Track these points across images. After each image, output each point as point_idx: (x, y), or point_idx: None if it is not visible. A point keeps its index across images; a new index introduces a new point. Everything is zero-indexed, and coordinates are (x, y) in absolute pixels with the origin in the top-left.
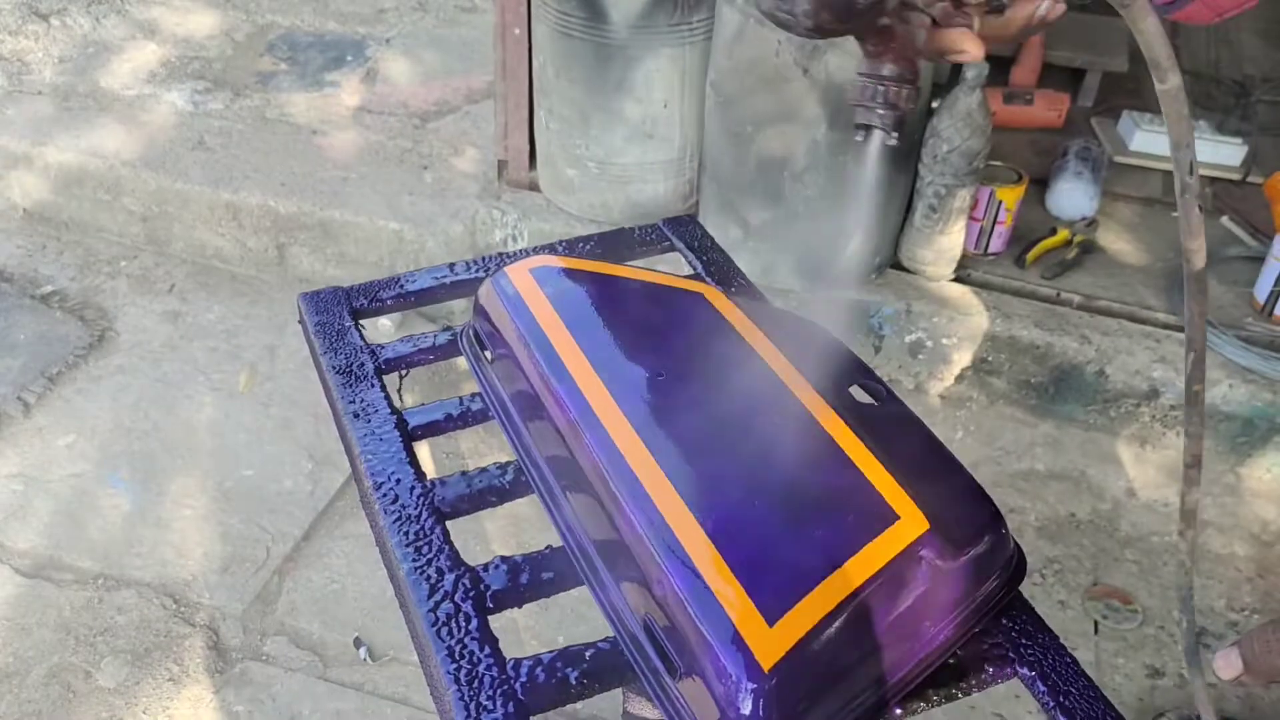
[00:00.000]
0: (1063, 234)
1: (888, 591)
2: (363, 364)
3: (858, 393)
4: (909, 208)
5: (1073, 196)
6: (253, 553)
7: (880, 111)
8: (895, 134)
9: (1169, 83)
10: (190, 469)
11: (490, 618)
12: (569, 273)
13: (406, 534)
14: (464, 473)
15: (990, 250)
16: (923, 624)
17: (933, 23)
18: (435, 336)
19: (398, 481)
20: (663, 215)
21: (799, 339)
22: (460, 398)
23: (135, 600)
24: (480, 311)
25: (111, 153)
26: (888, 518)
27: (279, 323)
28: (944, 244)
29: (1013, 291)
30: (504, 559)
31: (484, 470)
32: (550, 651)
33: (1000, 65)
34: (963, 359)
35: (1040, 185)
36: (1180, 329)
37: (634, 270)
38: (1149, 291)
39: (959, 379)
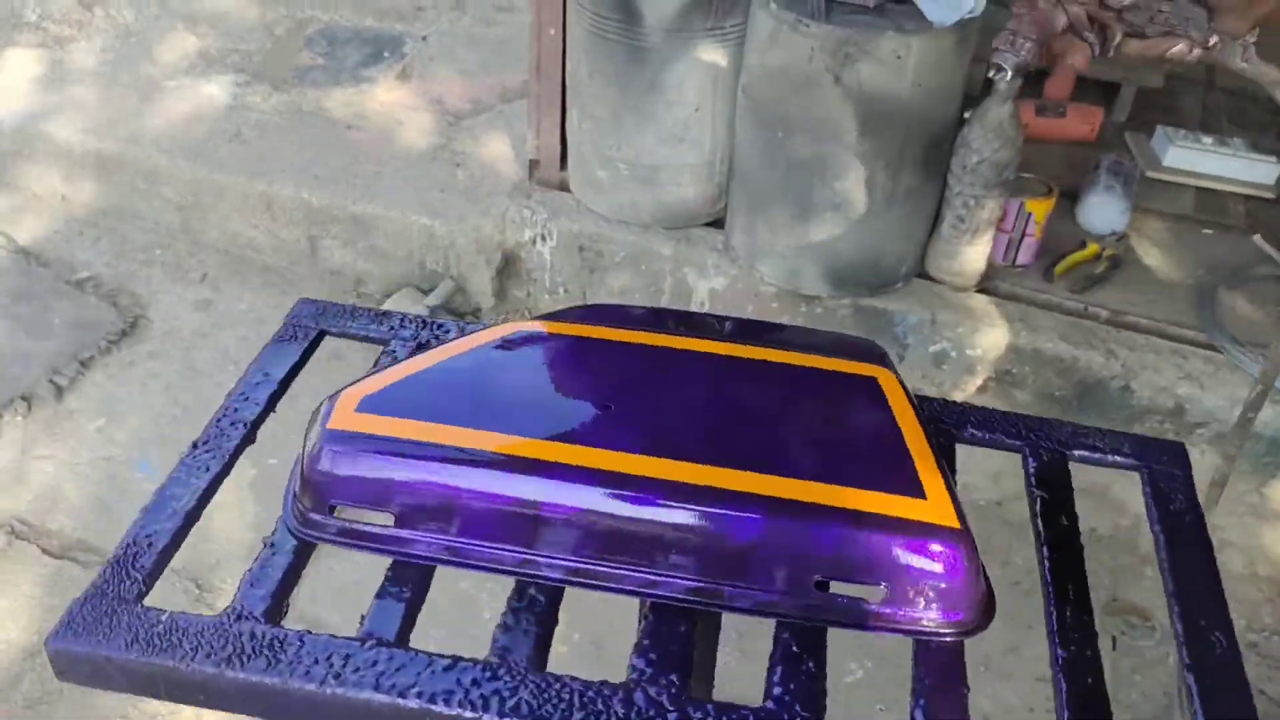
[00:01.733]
0: (1092, 248)
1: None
2: None
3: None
4: (937, 218)
5: (1103, 211)
6: None
7: (1010, 56)
8: (1011, 76)
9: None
10: None
11: None
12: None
13: None
14: None
15: (1018, 262)
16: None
17: (1068, 24)
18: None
19: None
20: (691, 218)
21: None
22: None
23: (160, 584)
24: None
25: (150, 142)
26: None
27: None
28: (971, 255)
29: (1039, 304)
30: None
31: None
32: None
33: (1034, 78)
34: (986, 370)
35: (1071, 199)
36: (1209, 346)
37: (444, 350)
38: (1177, 308)
39: (982, 390)
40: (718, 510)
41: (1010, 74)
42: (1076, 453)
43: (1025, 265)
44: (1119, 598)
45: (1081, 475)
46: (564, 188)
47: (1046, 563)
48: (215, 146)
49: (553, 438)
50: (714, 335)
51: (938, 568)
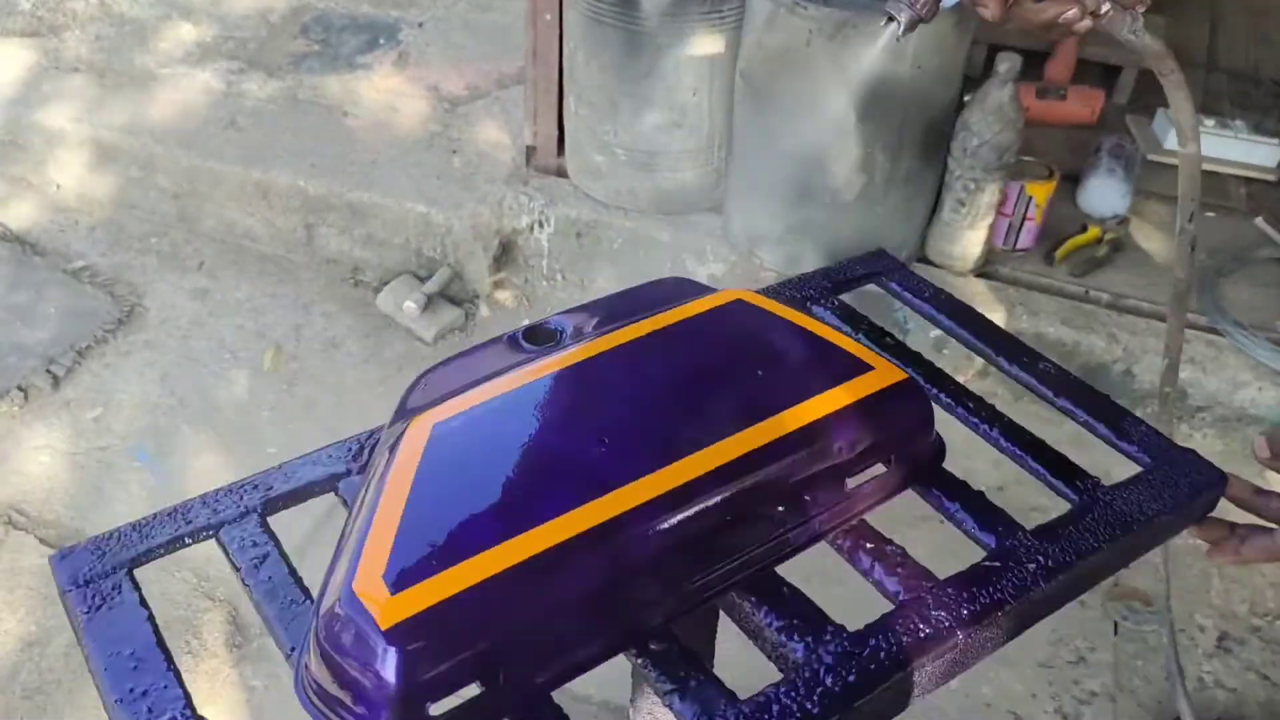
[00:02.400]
0: (1093, 231)
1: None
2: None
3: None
4: (937, 201)
5: (1104, 194)
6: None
7: (905, 8)
8: (903, 30)
9: (1189, 149)
10: (214, 446)
11: None
12: None
13: None
14: None
15: (1019, 246)
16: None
17: None
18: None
19: None
20: (689, 204)
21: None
22: None
23: (156, 574)
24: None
25: (145, 130)
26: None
27: (305, 302)
28: (971, 239)
29: (1040, 288)
30: None
31: None
32: None
33: (1034, 60)
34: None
35: (1072, 182)
36: (1211, 330)
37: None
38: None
39: (983, 374)
40: (747, 479)
41: (903, 27)
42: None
43: (1026, 249)
44: (1120, 583)
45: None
46: (561, 174)
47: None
48: (210, 135)
49: (591, 495)
50: (585, 335)
51: (913, 418)
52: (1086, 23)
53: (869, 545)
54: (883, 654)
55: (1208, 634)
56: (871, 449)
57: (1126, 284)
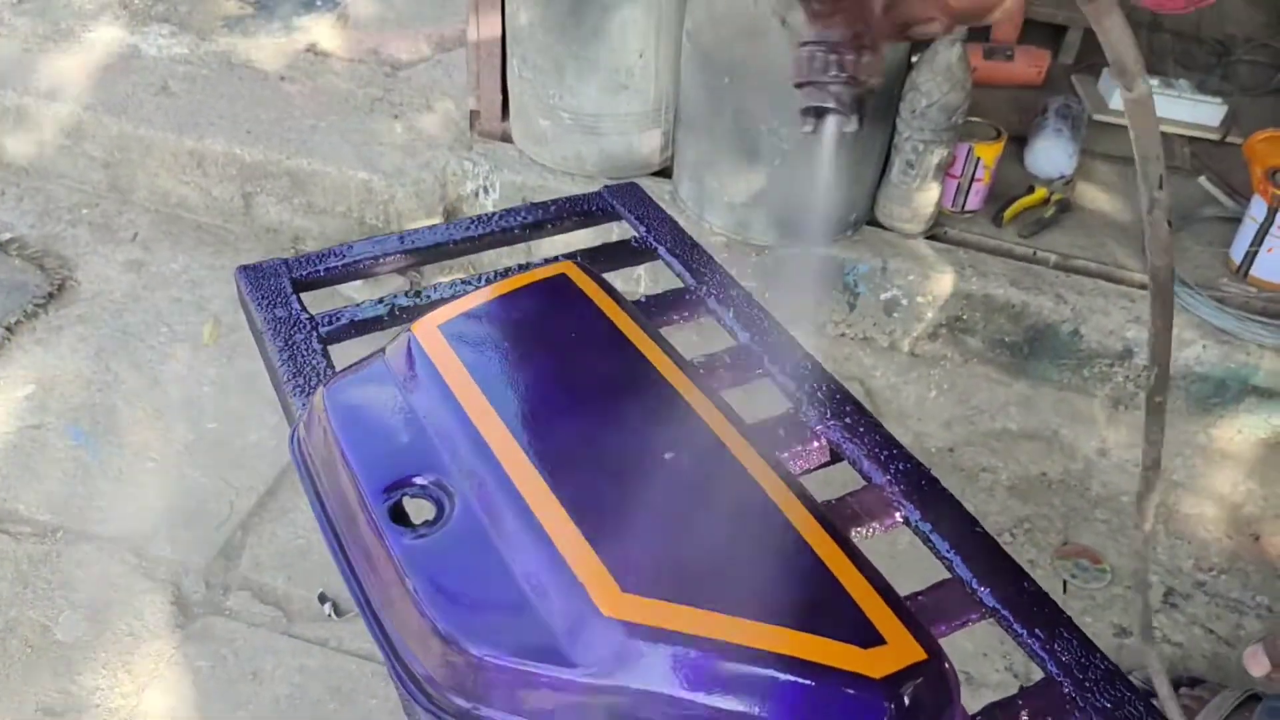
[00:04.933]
0: (1040, 192)
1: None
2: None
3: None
4: (886, 163)
5: (1051, 154)
6: (216, 507)
7: (834, 88)
8: (855, 117)
9: (1136, 90)
10: (153, 421)
11: None
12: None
13: None
14: None
15: (968, 208)
16: None
17: None
18: (384, 304)
19: None
20: (638, 168)
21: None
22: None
23: (95, 554)
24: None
25: (72, 97)
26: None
27: None
28: (921, 201)
29: (989, 250)
30: None
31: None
32: None
33: None
34: (937, 317)
35: (1019, 143)
36: None
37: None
38: (1125, 251)
39: (933, 337)
40: None
41: (847, 111)
42: None
43: (975, 211)
44: (1070, 541)
45: (1029, 418)
46: (506, 139)
47: None
48: (141, 101)
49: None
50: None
51: None
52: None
53: None
54: None
55: (1154, 590)
56: None
57: (1074, 244)
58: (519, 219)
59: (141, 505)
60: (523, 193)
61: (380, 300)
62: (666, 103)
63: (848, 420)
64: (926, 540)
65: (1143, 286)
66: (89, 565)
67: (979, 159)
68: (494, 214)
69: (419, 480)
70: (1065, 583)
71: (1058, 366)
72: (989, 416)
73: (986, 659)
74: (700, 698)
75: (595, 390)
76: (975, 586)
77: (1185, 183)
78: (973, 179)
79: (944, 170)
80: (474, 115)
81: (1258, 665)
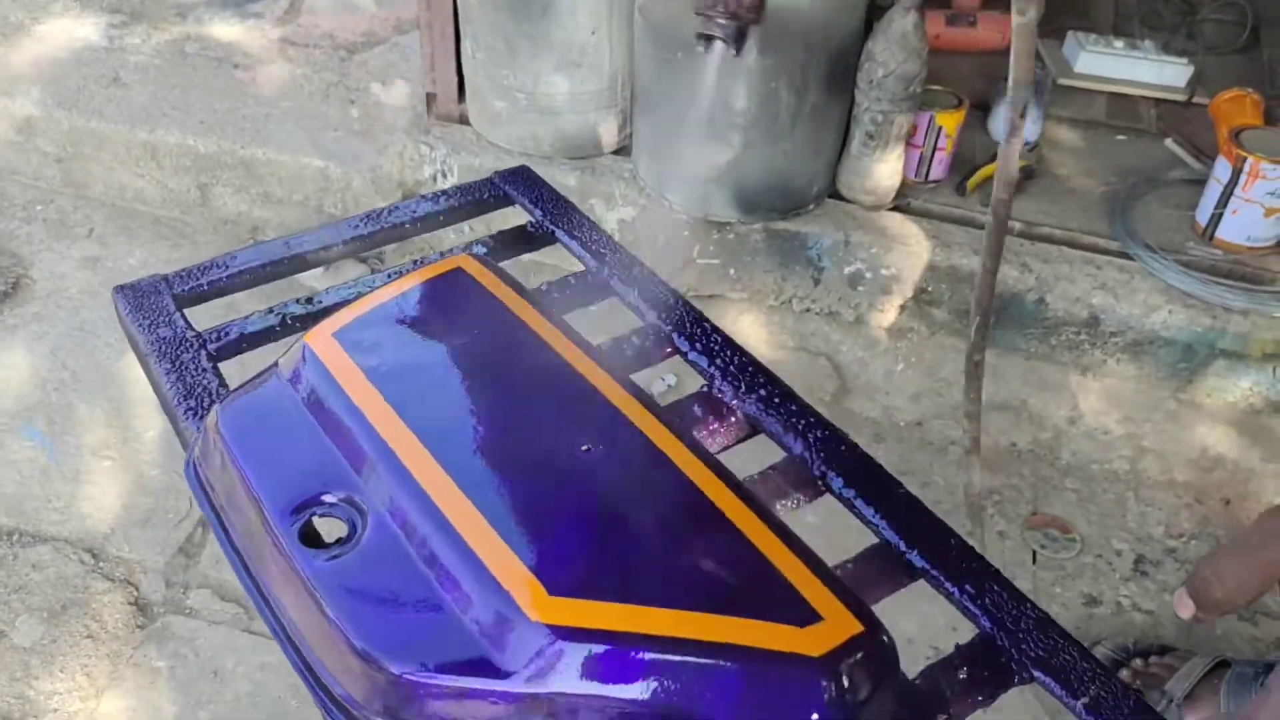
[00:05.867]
0: None
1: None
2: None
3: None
4: (846, 135)
5: None
6: (175, 504)
7: (721, 20)
8: (736, 46)
9: (1027, 15)
10: (110, 420)
11: None
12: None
13: None
14: None
15: (931, 178)
16: None
17: None
18: (275, 314)
19: None
20: (596, 148)
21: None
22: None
23: (51, 556)
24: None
25: (21, 91)
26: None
27: None
28: (883, 172)
29: (953, 220)
30: None
31: None
32: None
33: None
34: (903, 290)
35: (985, 111)
36: (1122, 254)
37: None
38: (1090, 217)
39: (900, 310)
40: None
41: (730, 40)
42: None
43: (938, 180)
44: (1039, 510)
45: (998, 389)
46: (463, 121)
47: None
48: (92, 93)
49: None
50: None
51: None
52: None
53: None
54: None
55: (1124, 558)
56: None
57: (1039, 211)
58: (409, 213)
59: (99, 505)
60: (480, 175)
61: (270, 310)
62: (622, 81)
63: (762, 392)
64: (851, 506)
65: (1107, 252)
66: (45, 567)
67: (940, 128)
68: (383, 209)
69: (327, 498)
70: (1035, 553)
71: (1024, 336)
72: (957, 389)
73: (955, 633)
74: (638, 696)
75: (502, 387)
76: (904, 549)
77: (1151, 145)
78: (935, 148)
79: (905, 141)
80: (430, 98)
81: (1184, 608)
